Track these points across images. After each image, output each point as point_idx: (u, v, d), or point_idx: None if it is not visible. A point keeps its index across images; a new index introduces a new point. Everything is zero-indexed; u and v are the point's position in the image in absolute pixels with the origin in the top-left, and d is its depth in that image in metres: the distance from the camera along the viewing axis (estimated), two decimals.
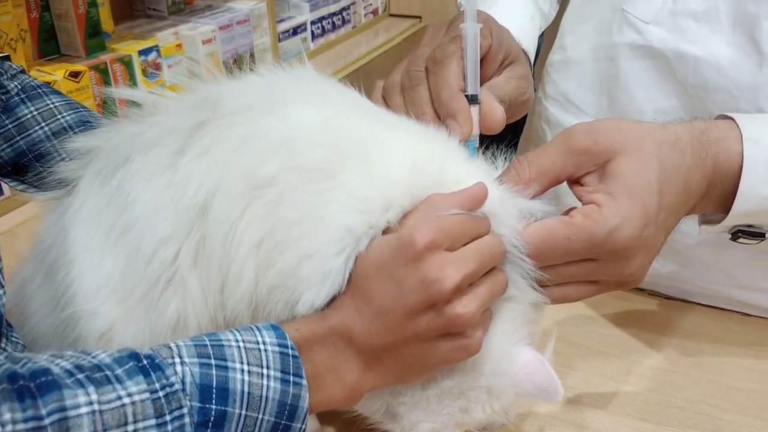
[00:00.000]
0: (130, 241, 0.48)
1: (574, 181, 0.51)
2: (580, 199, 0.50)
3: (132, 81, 1.38)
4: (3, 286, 0.49)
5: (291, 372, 0.42)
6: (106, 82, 1.32)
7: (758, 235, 0.55)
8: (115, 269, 0.49)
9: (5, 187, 1.09)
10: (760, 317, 0.74)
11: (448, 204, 0.46)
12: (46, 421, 0.34)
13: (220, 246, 0.47)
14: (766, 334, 0.72)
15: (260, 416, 0.41)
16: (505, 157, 0.54)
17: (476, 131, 0.53)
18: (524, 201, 0.50)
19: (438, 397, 0.49)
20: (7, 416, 0.33)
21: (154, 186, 0.48)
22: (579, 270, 0.49)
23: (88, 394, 0.36)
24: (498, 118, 0.53)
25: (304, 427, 0.43)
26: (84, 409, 0.35)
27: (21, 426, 0.33)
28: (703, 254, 0.71)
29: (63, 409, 0.35)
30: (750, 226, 0.55)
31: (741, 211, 0.52)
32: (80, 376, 0.37)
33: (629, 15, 0.69)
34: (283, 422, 0.42)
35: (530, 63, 0.64)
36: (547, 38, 0.82)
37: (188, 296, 0.48)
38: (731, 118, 0.53)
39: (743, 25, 0.62)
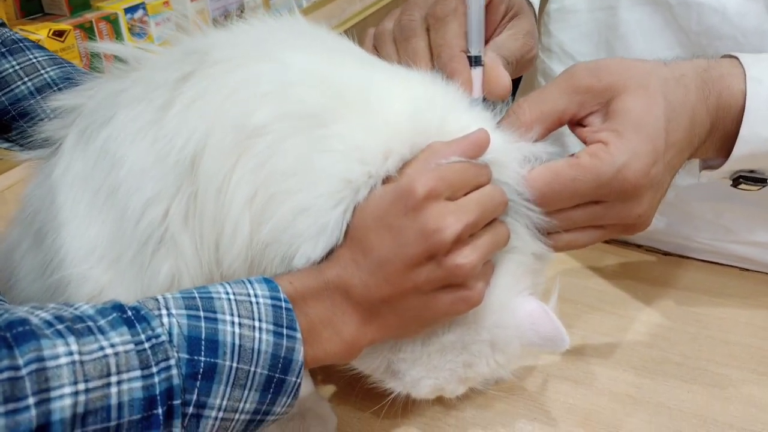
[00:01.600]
0: (118, 202, 0.47)
1: (576, 123, 0.49)
2: (584, 141, 0.49)
3: (119, 40, 1.34)
4: None
5: (284, 324, 0.41)
6: (92, 41, 1.29)
7: (759, 181, 0.54)
8: (104, 232, 0.48)
9: None
10: (759, 272, 0.73)
11: (449, 151, 0.45)
12: (23, 371, 0.33)
13: (213, 201, 0.45)
14: (764, 289, 0.71)
15: (252, 369, 0.40)
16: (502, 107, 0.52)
17: (478, 94, 0.51)
18: (527, 145, 0.48)
19: (440, 353, 0.49)
20: None
21: (140, 143, 0.47)
22: (586, 213, 0.48)
23: (68, 344, 0.35)
24: (504, 85, 0.51)
25: (299, 380, 0.42)
26: (63, 360, 0.34)
27: None
28: (702, 209, 0.70)
29: (41, 359, 0.34)
30: (751, 171, 0.54)
31: (742, 154, 0.51)
32: (60, 326, 0.36)
33: None
34: (277, 375, 0.41)
35: (535, 15, 0.62)
36: None
37: (181, 256, 0.47)
38: (735, 57, 0.51)
39: None
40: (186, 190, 0.46)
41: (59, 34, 1.21)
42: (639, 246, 0.78)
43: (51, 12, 1.32)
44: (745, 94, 0.49)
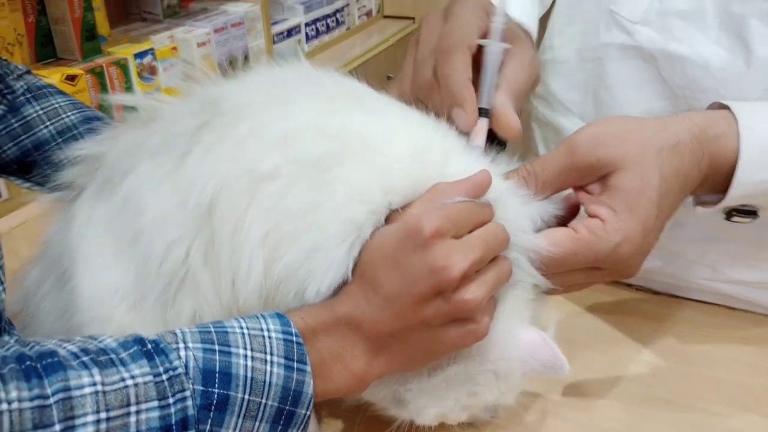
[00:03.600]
0: (142, 247, 0.50)
1: (578, 187, 0.53)
2: (582, 204, 0.52)
3: (128, 84, 1.39)
4: (3, 283, 0.50)
5: (295, 358, 0.43)
6: (102, 85, 1.33)
7: (751, 213, 0.57)
8: (128, 275, 0.50)
9: (3, 189, 1.10)
10: (746, 311, 0.75)
11: (454, 191, 0.47)
12: (51, 400, 0.35)
13: (229, 241, 0.48)
14: (751, 327, 0.73)
15: (264, 401, 0.42)
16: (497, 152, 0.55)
17: (481, 143, 0.54)
18: (530, 205, 0.52)
19: (445, 383, 0.50)
20: (14, 394, 0.35)
21: (162, 190, 0.50)
22: (583, 276, 0.52)
23: (92, 375, 0.37)
24: (515, 130, 0.55)
25: (308, 413, 0.43)
26: (87, 390, 0.37)
27: (27, 404, 0.35)
28: (688, 250, 0.73)
29: (67, 389, 0.36)
30: (743, 205, 0.57)
31: (737, 194, 0.54)
32: (85, 358, 0.38)
33: (617, 15, 0.70)
34: (287, 408, 0.43)
35: (533, 42, 0.66)
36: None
37: (202, 294, 0.49)
38: (729, 109, 0.54)
39: (730, 25, 0.63)
40: (205, 232, 0.48)
41: (71, 78, 1.25)
42: (630, 285, 0.80)
43: (64, 57, 1.37)
44: (738, 154, 0.52)
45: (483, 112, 0.55)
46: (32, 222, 1.02)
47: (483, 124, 0.55)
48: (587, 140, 0.51)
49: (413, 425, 0.52)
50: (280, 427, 0.43)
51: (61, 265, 0.54)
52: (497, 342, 0.50)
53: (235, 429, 0.41)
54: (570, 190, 0.54)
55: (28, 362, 0.36)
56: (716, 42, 0.64)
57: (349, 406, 0.56)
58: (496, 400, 0.52)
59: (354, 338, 0.46)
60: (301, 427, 0.44)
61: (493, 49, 0.54)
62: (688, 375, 0.67)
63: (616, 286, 0.80)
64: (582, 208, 0.54)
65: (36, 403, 0.35)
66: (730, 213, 0.58)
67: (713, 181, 0.55)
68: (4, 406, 0.34)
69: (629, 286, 0.80)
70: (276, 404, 0.42)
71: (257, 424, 0.42)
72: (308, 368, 0.43)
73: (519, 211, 0.50)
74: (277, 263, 0.47)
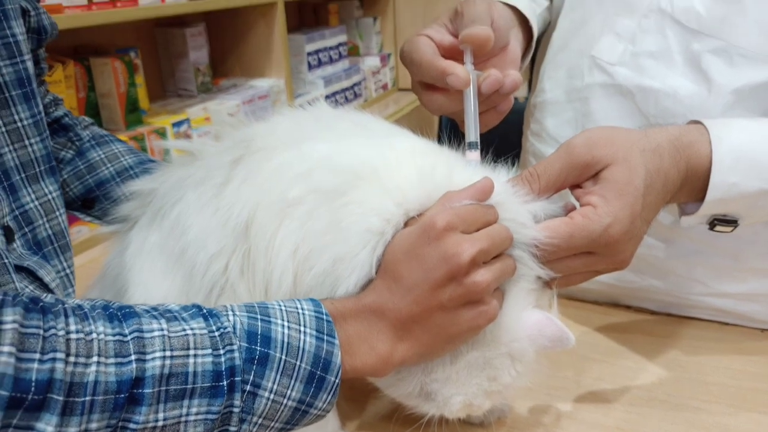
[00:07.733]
0: (187, 260, 0.58)
1: (574, 186, 0.60)
2: (577, 199, 0.59)
3: (166, 150, 1.51)
4: (73, 286, 0.59)
5: (325, 332, 0.50)
6: (144, 150, 1.46)
7: (732, 222, 0.64)
8: (174, 285, 0.59)
9: None
10: (736, 325, 0.80)
11: (462, 196, 0.54)
12: (128, 338, 0.44)
13: (263, 256, 0.56)
14: (740, 339, 0.79)
15: (298, 363, 0.48)
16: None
17: (475, 159, 0.61)
18: (532, 204, 0.58)
19: (466, 370, 0.56)
20: (101, 329, 0.43)
21: (205, 213, 0.58)
22: (580, 261, 0.58)
23: (160, 324, 0.45)
24: (516, 79, 0.63)
25: (337, 381, 0.50)
26: (156, 333, 0.45)
27: (110, 338, 0.43)
28: (676, 266, 0.79)
29: (141, 331, 0.45)
30: (724, 215, 0.64)
31: (714, 198, 0.61)
32: (155, 313, 0.47)
33: (597, 59, 0.79)
34: (318, 372, 0.49)
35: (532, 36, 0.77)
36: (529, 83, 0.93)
37: (238, 300, 0.56)
38: (701, 123, 0.62)
39: (691, 60, 0.73)
40: (242, 248, 0.57)
41: None
42: (629, 307, 0.86)
43: (109, 127, 1.51)
44: (711, 158, 0.60)
45: (472, 146, 0.62)
46: (83, 268, 1.11)
47: (475, 155, 0.62)
48: (583, 142, 0.59)
49: (441, 421, 0.57)
50: (312, 389, 0.49)
51: (118, 283, 0.63)
52: (507, 326, 0.56)
53: (274, 383, 0.47)
54: (567, 193, 0.60)
55: (111, 310, 0.46)
56: (682, 75, 0.73)
57: (382, 414, 0.61)
58: (514, 381, 0.57)
59: (379, 324, 0.52)
60: (332, 392, 0.49)
61: (470, 83, 0.63)
62: (681, 379, 0.72)
63: (614, 308, 0.86)
64: (576, 205, 0.60)
65: (117, 338, 0.43)
66: (713, 223, 0.65)
67: (691, 186, 0.62)
68: (94, 335, 0.43)
69: (628, 307, 0.86)
70: (309, 368, 0.48)
71: (293, 382, 0.48)
72: (336, 341, 0.49)
73: (519, 210, 0.57)
74: (307, 274, 0.55)
